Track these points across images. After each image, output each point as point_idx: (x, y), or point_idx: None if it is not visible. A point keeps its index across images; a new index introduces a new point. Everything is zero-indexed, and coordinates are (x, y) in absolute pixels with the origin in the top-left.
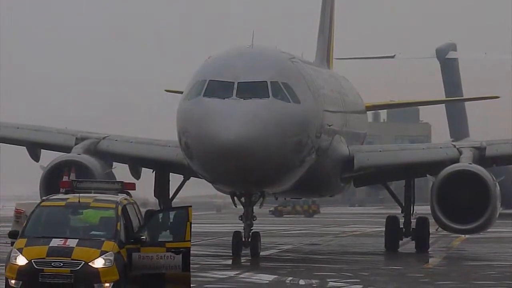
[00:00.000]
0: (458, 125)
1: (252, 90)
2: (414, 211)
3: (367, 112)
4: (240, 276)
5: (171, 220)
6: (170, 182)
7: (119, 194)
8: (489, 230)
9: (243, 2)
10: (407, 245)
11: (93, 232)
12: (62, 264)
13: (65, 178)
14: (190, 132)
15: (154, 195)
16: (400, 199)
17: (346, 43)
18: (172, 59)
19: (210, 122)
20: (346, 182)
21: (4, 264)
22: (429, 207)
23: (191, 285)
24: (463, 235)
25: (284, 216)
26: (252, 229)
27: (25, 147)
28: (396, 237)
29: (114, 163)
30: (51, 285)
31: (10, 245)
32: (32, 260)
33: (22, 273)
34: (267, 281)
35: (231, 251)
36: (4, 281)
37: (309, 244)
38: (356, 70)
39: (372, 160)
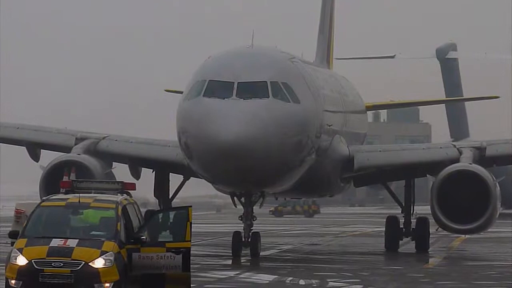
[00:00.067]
0: (458, 125)
1: (252, 90)
2: (414, 211)
3: (367, 112)
4: (240, 276)
5: (171, 220)
6: (170, 182)
7: (119, 194)
8: (489, 230)
9: (243, 2)
10: (407, 245)
11: (93, 232)
12: (62, 264)
13: (65, 178)
14: (190, 132)
15: (154, 195)
16: (400, 199)
17: (346, 43)
18: (172, 59)
19: (210, 122)
20: (346, 182)
21: (4, 264)
22: (429, 207)
23: (191, 285)
24: (463, 235)
25: (284, 216)
26: (252, 229)
27: (24, 147)
28: (396, 237)
29: (114, 163)
30: (51, 285)
31: (10, 245)
32: (32, 260)
33: (22, 273)
34: (267, 281)
35: (231, 251)
36: (4, 281)
37: (309, 244)
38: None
39: (372, 160)
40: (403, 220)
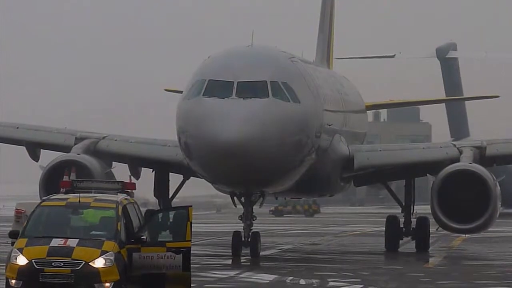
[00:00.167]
0: (458, 125)
1: (251, 89)
2: (414, 211)
3: (367, 111)
4: (241, 276)
5: (172, 220)
6: (170, 181)
7: (119, 194)
8: (489, 229)
9: (243, 2)
10: (407, 245)
11: (93, 232)
12: (62, 264)
13: (65, 178)
14: (189, 131)
15: (154, 195)
16: (400, 198)
17: (346, 42)
18: (172, 58)
19: (209, 122)
20: (346, 182)
21: (4, 264)
22: (429, 206)
23: (192, 285)
24: (463, 235)
25: (285, 215)
26: (252, 229)
27: (24, 147)
28: (397, 236)
29: (114, 163)
30: (51, 285)
31: (10, 245)
32: (33, 260)
33: (23, 273)
34: (268, 281)
35: (231, 251)
36: (5, 281)
37: (309, 243)
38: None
39: (372, 160)
40: (403, 220)
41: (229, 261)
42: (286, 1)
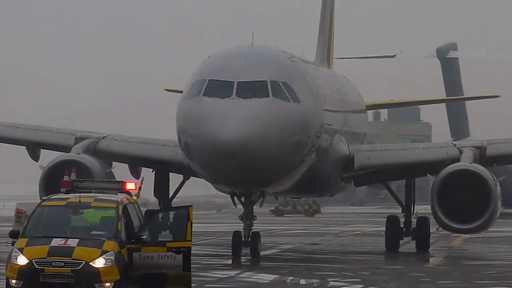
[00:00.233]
0: (458, 125)
1: (252, 89)
2: (415, 211)
3: (368, 111)
4: (241, 275)
5: (172, 220)
6: (170, 181)
7: (118, 193)
8: (489, 229)
9: (243, 1)
10: (408, 245)
11: (93, 232)
12: (63, 264)
13: (65, 178)
14: (189, 131)
15: (154, 195)
16: (401, 198)
17: (346, 42)
18: (172, 58)
19: (209, 122)
20: (346, 182)
21: (4, 264)
22: (429, 206)
23: (192, 285)
24: (464, 235)
25: (285, 215)
26: (252, 229)
27: (24, 147)
28: (397, 236)
29: (114, 163)
30: (52, 285)
31: (11, 244)
32: (33, 260)
33: (23, 273)
34: (268, 281)
35: (231, 250)
36: (5, 281)
37: (309, 243)
38: (357, 70)
39: (372, 160)
40: (404, 220)
41: (229, 261)
42: (286, 1)
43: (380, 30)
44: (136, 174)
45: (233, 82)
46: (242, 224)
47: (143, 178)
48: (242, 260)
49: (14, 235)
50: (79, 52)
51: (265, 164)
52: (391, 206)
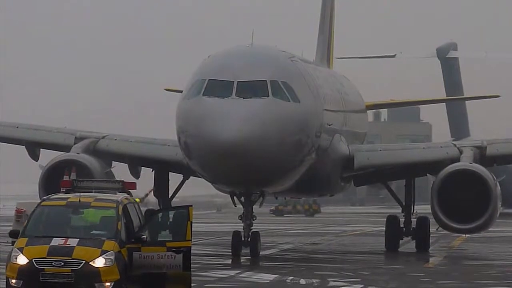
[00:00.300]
0: (458, 125)
1: (251, 89)
2: (415, 211)
3: (368, 111)
4: (241, 275)
5: (172, 220)
6: (170, 181)
7: (118, 193)
8: (489, 229)
9: (243, 1)
10: (408, 245)
11: (93, 232)
12: (62, 264)
13: (65, 178)
14: (189, 131)
15: (154, 195)
16: (401, 198)
17: (346, 42)
18: (172, 58)
19: (209, 122)
20: (346, 182)
21: (4, 264)
22: (429, 206)
23: (192, 285)
24: (464, 235)
25: (285, 215)
26: (252, 229)
27: (24, 146)
28: (397, 236)
29: (114, 163)
30: (51, 285)
31: (11, 244)
32: (33, 260)
33: (23, 273)
34: (268, 281)
35: (231, 250)
36: (5, 280)
37: (309, 243)
38: (357, 70)
39: (372, 160)
40: (404, 220)
41: (229, 261)
42: (286, 1)
43: (380, 30)
44: (135, 173)
45: (233, 82)
46: (242, 224)
47: (151, 190)
48: (242, 260)
49: (14, 234)
50: (79, 52)
51: (265, 164)
52: (391, 206)
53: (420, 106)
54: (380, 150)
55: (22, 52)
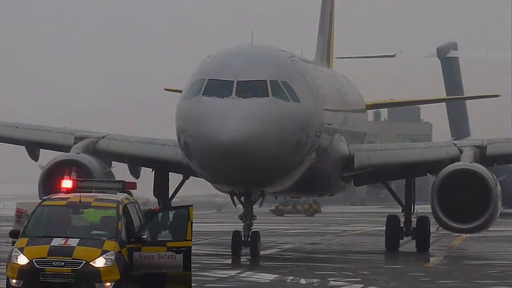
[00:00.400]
0: (459, 124)
1: (251, 89)
2: (415, 210)
3: (368, 110)
4: (241, 275)
5: (172, 220)
6: (170, 181)
7: (118, 193)
8: (490, 229)
9: (243, 1)
10: (408, 244)
11: (94, 232)
12: (63, 264)
13: (66, 178)
14: (189, 131)
15: (154, 195)
16: (401, 198)
17: (346, 42)
18: (172, 58)
19: (209, 121)
20: (346, 181)
21: (5, 264)
22: (429, 206)
23: (192, 285)
24: (464, 234)
25: (285, 215)
26: (252, 229)
27: (24, 147)
28: (397, 236)
29: (113, 162)
30: (52, 285)
31: (11, 244)
32: (33, 260)
33: (23, 273)
34: (268, 280)
35: (231, 250)
36: (5, 280)
37: (310, 243)
38: (357, 69)
39: (372, 159)
40: (404, 219)
41: (229, 261)
42: (286, 1)
43: (380, 30)
44: (135, 173)
45: (233, 81)
46: (242, 224)
47: (159, 207)
48: (242, 260)
49: (14, 234)
50: (79, 52)
51: (265, 163)
52: (391, 205)
53: (420, 105)
54: (380, 150)
55: (22, 52)
